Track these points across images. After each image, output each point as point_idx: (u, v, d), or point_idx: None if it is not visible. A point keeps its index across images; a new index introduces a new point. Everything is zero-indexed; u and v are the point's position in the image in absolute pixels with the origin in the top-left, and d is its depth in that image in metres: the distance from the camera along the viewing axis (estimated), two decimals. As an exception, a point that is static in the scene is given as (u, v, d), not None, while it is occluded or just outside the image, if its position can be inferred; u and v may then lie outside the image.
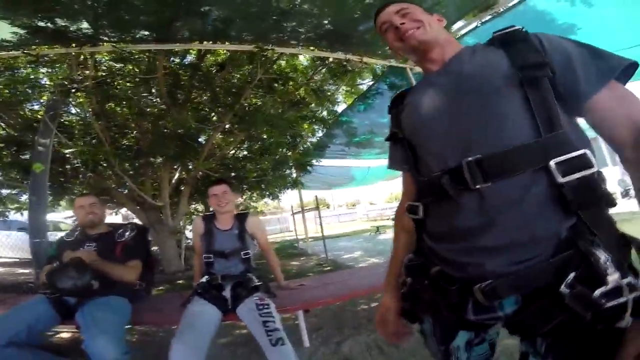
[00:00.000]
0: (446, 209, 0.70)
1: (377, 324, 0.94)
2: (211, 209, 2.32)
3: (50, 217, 9.70)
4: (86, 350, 1.63)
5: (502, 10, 3.14)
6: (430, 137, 0.75)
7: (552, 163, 0.59)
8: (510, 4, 3.05)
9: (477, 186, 0.63)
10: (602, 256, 0.54)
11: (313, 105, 6.54)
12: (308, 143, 7.41)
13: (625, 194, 10.50)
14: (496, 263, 0.62)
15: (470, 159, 0.64)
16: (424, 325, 0.83)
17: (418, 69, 2.97)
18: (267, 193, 7.56)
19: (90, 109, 4.90)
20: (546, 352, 0.62)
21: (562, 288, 0.54)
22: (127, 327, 2.01)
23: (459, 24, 3.52)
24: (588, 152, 0.59)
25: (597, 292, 0.53)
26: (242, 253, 2.10)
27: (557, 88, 0.64)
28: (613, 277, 0.53)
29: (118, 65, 4.89)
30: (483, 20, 3.29)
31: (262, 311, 1.81)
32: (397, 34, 0.82)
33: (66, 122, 5.39)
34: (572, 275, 0.55)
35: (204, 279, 2.02)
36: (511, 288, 0.60)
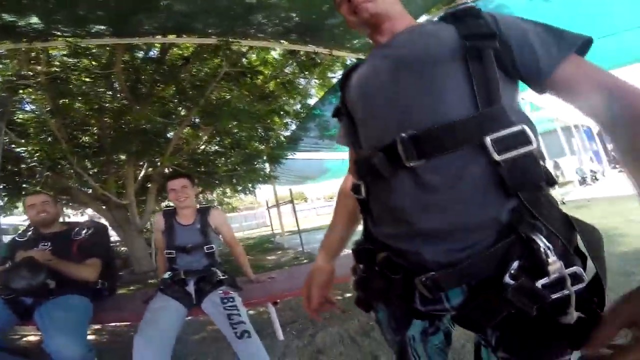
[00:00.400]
0: (383, 189, 0.65)
1: (304, 286, 0.93)
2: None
3: (9, 220, 9.15)
4: (46, 349, 1.61)
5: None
6: (367, 112, 0.72)
7: (487, 139, 0.55)
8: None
9: (411, 164, 0.59)
10: (542, 243, 0.50)
11: (284, 98, 6.48)
12: (281, 137, 7.35)
13: (583, 182, 11.04)
14: (434, 251, 0.58)
15: (404, 135, 0.59)
16: (379, 314, 0.78)
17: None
18: (240, 188, 7.46)
19: (47, 106, 4.65)
20: (497, 343, 0.58)
21: (506, 278, 0.51)
22: (96, 327, 1.96)
23: (423, 17, 3.60)
24: (526, 127, 0.55)
25: (539, 284, 0.49)
26: (205, 248, 2.08)
27: (516, 67, 0.61)
28: (555, 267, 0.50)
29: (72, 61, 4.62)
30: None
31: (227, 305, 1.82)
32: (350, 7, 0.77)
33: (19, 120, 5.12)
34: (515, 264, 0.51)
35: (166, 275, 2.00)
36: (453, 280, 0.56)
